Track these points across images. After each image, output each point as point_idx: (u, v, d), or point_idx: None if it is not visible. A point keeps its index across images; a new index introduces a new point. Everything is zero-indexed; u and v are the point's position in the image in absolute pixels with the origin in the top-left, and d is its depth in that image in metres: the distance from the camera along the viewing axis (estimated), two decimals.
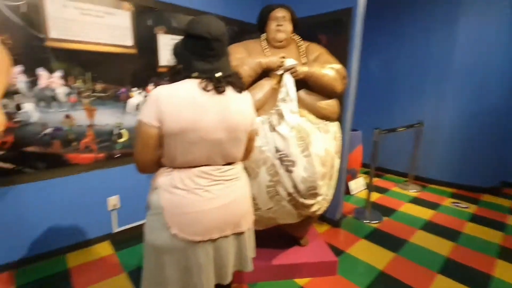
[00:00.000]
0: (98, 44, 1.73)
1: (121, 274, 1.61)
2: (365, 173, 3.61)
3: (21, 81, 1.51)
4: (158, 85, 2.12)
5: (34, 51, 1.53)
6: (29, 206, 1.63)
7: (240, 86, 0.88)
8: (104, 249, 1.87)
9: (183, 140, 0.78)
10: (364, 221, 2.34)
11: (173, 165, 0.83)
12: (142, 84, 1.97)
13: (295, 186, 1.26)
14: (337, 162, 1.47)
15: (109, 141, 1.87)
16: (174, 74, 0.82)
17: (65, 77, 1.64)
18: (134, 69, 1.91)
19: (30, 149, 1.58)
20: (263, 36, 1.58)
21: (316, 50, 1.56)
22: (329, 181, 1.40)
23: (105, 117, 1.83)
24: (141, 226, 2.10)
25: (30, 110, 1.56)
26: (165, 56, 2.05)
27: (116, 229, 1.98)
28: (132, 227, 2.06)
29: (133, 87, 1.93)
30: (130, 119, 1.94)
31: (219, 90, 0.81)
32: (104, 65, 1.78)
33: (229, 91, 0.85)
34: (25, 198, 1.61)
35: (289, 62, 1.34)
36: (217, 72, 0.82)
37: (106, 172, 1.88)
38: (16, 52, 1.47)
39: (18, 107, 1.52)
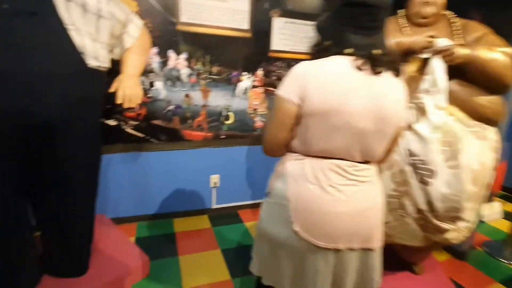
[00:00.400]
0: (219, 28, 1.79)
1: (216, 250, 1.69)
2: (503, 197, 2.78)
3: (155, 62, 1.71)
4: (267, 70, 2.11)
5: (167, 34, 1.69)
6: (151, 172, 1.87)
7: (398, 68, 0.70)
8: (203, 222, 2.01)
9: (325, 124, 0.67)
10: (502, 260, 1.78)
11: (306, 152, 0.73)
12: (252, 69, 1.96)
13: (429, 203, 0.99)
14: (490, 181, 1.09)
15: (218, 122, 1.96)
16: (320, 52, 0.70)
17: (188, 59, 1.77)
18: (247, 53, 1.91)
19: (156, 122, 1.79)
20: (401, 12, 1.29)
21: (478, 29, 1.17)
22: (476, 204, 1.05)
23: (217, 99, 1.91)
24: (235, 207, 2.17)
25: (159, 87, 1.75)
26: (278, 40, 1.97)
27: (215, 205, 2.10)
28: (228, 206, 2.15)
29: (244, 71, 1.94)
30: (237, 102, 1.98)
31: (375, 70, 0.65)
32: (221, 48, 1.84)
33: (385, 73, 0.69)
34: (150, 164, 1.85)
35: (442, 42, 1.03)
36: (375, 49, 0.66)
37: (212, 151, 1.99)
38: (154, 35, 1.64)
39: (151, 84, 1.73)
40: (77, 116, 1.01)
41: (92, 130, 1.14)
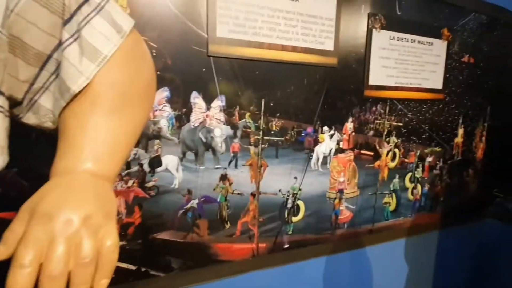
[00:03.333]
0: (283, 49, 0.94)
1: None
2: None
3: (164, 116, 0.84)
4: (361, 121, 0.95)
5: (190, 63, 0.84)
6: None
7: None
8: None
9: None
10: None
11: None
12: (337, 120, 1.09)
13: None
14: None
15: (277, 221, 1.04)
16: None
17: (227, 109, 0.91)
18: (329, 92, 1.05)
19: (163, 236, 0.88)
20: None
21: None
22: None
23: (276, 178, 1.02)
24: None
25: (171, 167, 0.87)
26: (379, 69, 1.12)
27: None
28: None
29: (324, 125, 1.07)
30: (312, 180, 1.08)
31: None
32: (287, 85, 0.98)
33: None
34: None
35: None
36: None
37: (267, 275, 1.05)
38: (162, 65, 0.80)
39: (154, 163, 0.85)
40: None
41: None
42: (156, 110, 0.82)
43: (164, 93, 0.83)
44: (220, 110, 0.90)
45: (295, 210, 1.06)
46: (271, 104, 0.96)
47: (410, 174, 1.30)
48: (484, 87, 1.43)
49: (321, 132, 1.06)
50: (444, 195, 1.41)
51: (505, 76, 1.48)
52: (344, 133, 1.11)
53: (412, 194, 1.32)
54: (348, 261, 1.22)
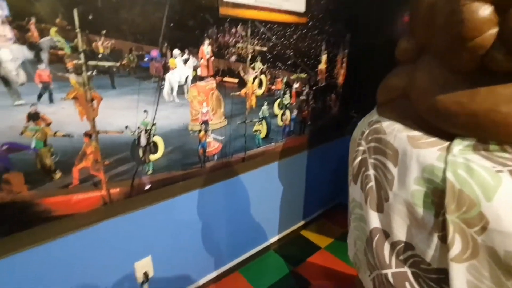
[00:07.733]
0: None
1: None
2: None
3: None
4: (220, 44, 0.85)
5: None
6: None
7: None
8: None
9: None
10: None
11: None
12: (190, 42, 0.95)
13: None
14: None
15: (130, 162, 0.92)
16: None
17: (13, 21, 0.65)
18: (175, 6, 0.88)
19: None
20: None
21: None
22: None
23: (118, 113, 0.86)
24: None
25: None
26: None
27: None
28: None
29: (173, 47, 0.92)
30: (169, 113, 0.96)
31: None
32: None
33: None
34: None
35: None
36: None
37: (128, 219, 0.96)
38: None
39: None
40: None
41: None
42: None
43: None
44: (2, 22, 0.63)
45: (152, 147, 0.95)
46: (90, 17, 0.74)
47: (278, 100, 1.33)
48: (344, 15, 1.50)
49: (171, 56, 0.92)
50: (311, 119, 1.54)
51: (362, 6, 1.57)
52: (201, 58, 0.99)
53: (281, 120, 1.38)
54: (223, 191, 1.24)
